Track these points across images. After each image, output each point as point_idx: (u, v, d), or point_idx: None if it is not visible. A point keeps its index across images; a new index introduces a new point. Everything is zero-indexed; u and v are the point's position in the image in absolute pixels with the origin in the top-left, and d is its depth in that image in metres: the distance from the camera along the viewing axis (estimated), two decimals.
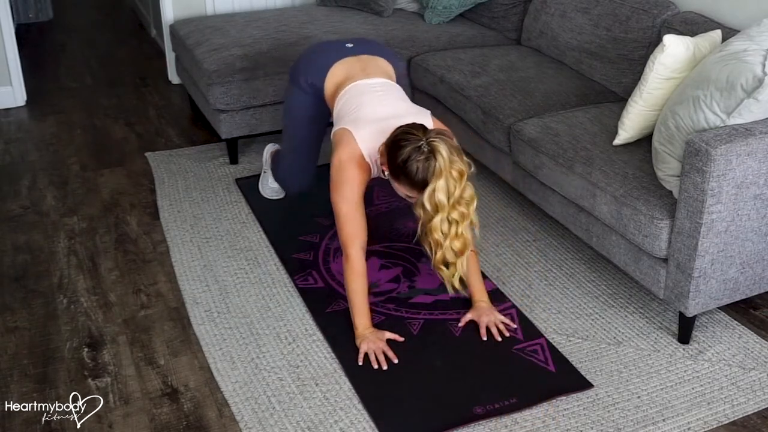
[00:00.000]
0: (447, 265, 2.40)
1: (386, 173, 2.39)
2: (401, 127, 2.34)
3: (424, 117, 2.54)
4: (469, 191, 2.31)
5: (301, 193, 3.21)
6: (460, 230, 2.31)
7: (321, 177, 3.35)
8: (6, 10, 4.18)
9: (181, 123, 4.18)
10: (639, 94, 2.64)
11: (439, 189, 2.24)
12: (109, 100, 4.50)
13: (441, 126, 2.54)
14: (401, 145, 2.27)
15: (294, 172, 3.11)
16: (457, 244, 2.34)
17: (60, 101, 4.47)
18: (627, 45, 3.28)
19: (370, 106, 2.54)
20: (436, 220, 2.27)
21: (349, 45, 2.81)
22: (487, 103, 3.24)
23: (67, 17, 6.24)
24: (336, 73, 2.71)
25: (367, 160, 2.46)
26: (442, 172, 2.22)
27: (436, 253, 2.37)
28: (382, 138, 2.40)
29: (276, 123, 3.64)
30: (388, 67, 2.79)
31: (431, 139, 2.25)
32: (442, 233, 2.30)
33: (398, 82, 2.80)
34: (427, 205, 2.26)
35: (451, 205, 2.27)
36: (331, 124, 2.69)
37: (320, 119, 2.93)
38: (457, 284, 2.44)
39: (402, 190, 2.37)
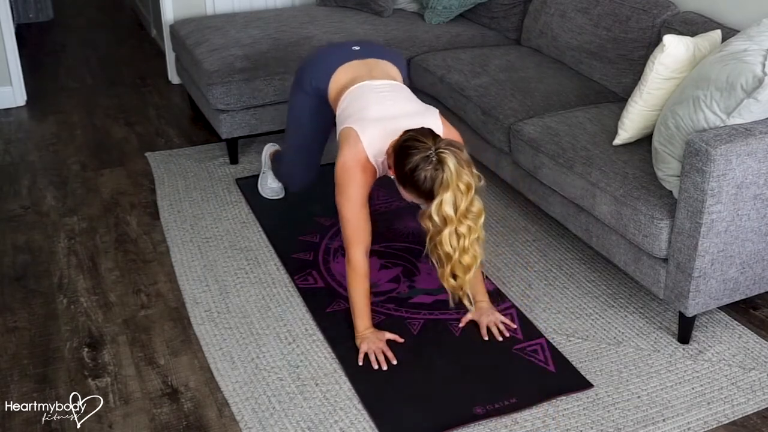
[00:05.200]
0: (455, 277, 2.33)
1: (392, 176, 2.35)
2: (410, 131, 2.27)
3: (432, 116, 2.47)
4: (478, 205, 2.24)
5: (303, 190, 3.18)
6: (467, 244, 2.24)
7: (323, 175, 3.36)
8: (6, 10, 4.18)
9: (181, 123, 4.18)
10: (639, 94, 2.64)
11: (446, 202, 2.17)
12: (109, 100, 4.50)
13: (449, 127, 2.49)
14: (409, 153, 2.21)
15: (296, 171, 3.10)
16: (466, 258, 2.27)
17: (60, 101, 4.47)
18: (627, 45, 3.27)
19: (377, 105, 2.48)
20: (445, 233, 2.21)
21: (356, 48, 2.76)
22: (487, 103, 3.24)
23: (67, 17, 6.23)
24: (341, 75, 2.67)
25: (372, 162, 2.40)
26: (449, 185, 2.16)
27: (445, 267, 2.29)
28: (389, 138, 2.35)
29: (276, 123, 3.65)
30: (394, 70, 2.75)
31: (440, 150, 2.18)
32: (451, 247, 2.22)
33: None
34: (435, 218, 2.20)
35: (458, 219, 2.20)
36: (335, 125, 2.67)
37: (324, 121, 2.90)
38: (464, 299, 2.37)
39: (408, 196, 2.32)
